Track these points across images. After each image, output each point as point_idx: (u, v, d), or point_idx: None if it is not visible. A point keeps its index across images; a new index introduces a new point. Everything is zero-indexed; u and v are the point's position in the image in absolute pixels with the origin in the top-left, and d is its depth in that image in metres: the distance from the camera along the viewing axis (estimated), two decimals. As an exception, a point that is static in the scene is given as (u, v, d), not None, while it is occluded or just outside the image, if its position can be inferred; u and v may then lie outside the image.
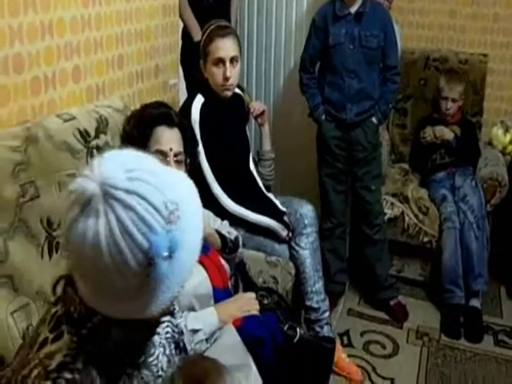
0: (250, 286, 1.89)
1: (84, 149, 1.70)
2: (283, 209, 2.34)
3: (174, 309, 1.17)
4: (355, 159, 2.76)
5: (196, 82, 2.36)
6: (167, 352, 1.10)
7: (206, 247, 1.74)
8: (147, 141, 1.68)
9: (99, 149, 1.75)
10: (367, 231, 2.83)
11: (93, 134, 1.74)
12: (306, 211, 2.37)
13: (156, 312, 0.88)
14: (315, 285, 2.35)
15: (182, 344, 1.17)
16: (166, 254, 0.83)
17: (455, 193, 2.94)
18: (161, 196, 0.84)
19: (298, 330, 1.69)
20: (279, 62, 3.28)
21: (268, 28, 3.28)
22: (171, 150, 1.69)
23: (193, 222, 0.89)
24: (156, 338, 1.07)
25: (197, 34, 2.70)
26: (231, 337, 1.56)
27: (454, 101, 3.09)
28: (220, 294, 1.70)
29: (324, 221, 2.86)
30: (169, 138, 1.70)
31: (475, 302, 2.81)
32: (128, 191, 0.83)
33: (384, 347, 2.64)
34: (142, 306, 0.86)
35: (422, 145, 3.14)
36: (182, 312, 1.26)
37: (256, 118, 2.56)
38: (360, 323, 2.81)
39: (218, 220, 2.00)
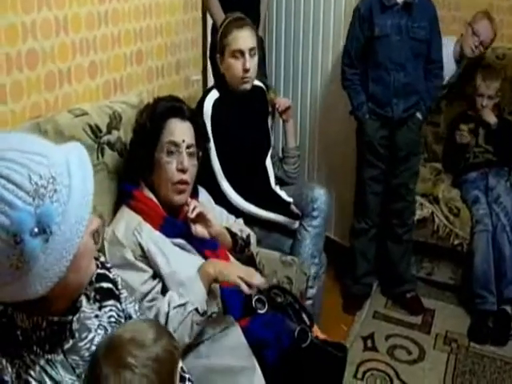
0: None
1: (95, 144, 1.69)
2: (289, 199, 2.29)
3: (121, 293, 1.17)
4: (397, 157, 2.68)
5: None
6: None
7: (214, 245, 1.73)
8: (160, 132, 1.67)
9: (111, 144, 1.75)
10: (397, 230, 2.77)
11: (104, 129, 1.74)
12: (317, 195, 2.31)
13: (43, 290, 0.86)
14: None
15: None
16: (35, 229, 0.83)
17: (488, 194, 2.82)
18: (25, 171, 0.84)
19: (309, 334, 1.65)
20: (307, 60, 3.21)
21: (296, 25, 3.21)
22: (184, 141, 1.68)
23: (77, 195, 0.88)
24: (93, 322, 1.07)
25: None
26: (236, 337, 1.54)
27: (490, 98, 2.95)
28: (227, 292, 1.67)
29: (358, 221, 2.81)
30: (181, 130, 1.69)
31: (507, 309, 2.67)
32: None
33: (409, 352, 2.54)
34: (26, 285, 0.86)
35: (455, 143, 3.02)
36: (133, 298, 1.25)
37: (281, 114, 2.52)
38: (386, 327, 2.72)
39: (232, 217, 1.98)
